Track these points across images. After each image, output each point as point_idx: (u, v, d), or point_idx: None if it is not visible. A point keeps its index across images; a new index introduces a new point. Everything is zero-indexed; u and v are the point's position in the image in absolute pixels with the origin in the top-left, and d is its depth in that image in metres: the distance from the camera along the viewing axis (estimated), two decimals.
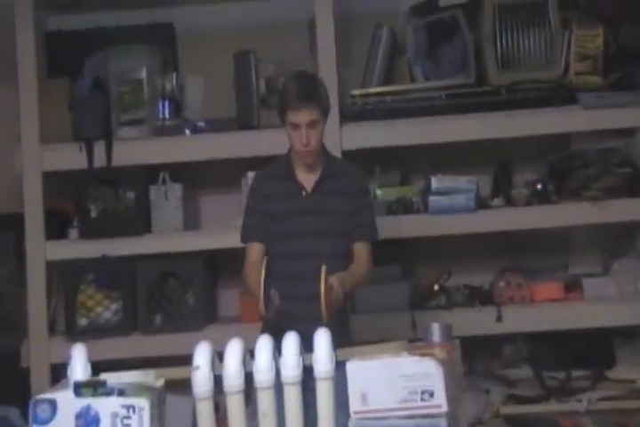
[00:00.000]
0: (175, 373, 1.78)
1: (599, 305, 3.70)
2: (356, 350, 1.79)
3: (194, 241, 3.79)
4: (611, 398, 3.57)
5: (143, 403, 1.61)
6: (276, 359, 1.73)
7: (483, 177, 3.91)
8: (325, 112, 2.68)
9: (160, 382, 1.73)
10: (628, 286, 3.78)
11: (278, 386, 1.72)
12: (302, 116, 2.60)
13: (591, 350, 3.76)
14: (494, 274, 3.87)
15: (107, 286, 3.78)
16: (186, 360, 1.76)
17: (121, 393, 1.62)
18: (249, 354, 1.75)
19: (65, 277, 3.84)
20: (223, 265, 4.01)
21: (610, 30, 3.79)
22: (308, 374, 1.73)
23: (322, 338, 1.76)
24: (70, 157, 3.78)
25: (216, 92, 4.01)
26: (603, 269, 3.98)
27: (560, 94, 3.74)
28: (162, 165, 3.87)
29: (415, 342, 1.88)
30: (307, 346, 1.76)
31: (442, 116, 3.74)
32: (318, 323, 1.99)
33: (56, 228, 3.87)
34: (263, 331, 2.37)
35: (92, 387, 1.63)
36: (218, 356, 1.75)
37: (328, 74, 3.58)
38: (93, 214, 3.84)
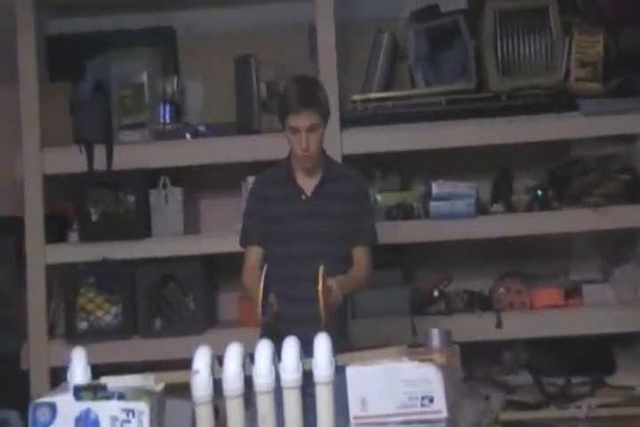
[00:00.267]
0: (175, 377, 1.78)
1: (599, 311, 3.70)
2: (355, 355, 1.78)
3: (194, 245, 3.79)
4: (610, 405, 3.56)
5: (143, 407, 1.61)
6: (276, 364, 1.73)
7: (483, 183, 3.92)
8: (325, 117, 2.68)
9: (160, 386, 1.73)
10: (628, 292, 3.77)
11: (278, 390, 1.72)
12: (302, 121, 2.60)
13: (591, 357, 3.76)
14: (494, 280, 3.87)
15: (107, 290, 3.78)
16: (186, 364, 1.76)
17: (121, 397, 1.62)
18: (249, 358, 1.75)
19: (65, 280, 3.84)
20: (223, 269, 4.00)
21: (610, 35, 3.79)
22: (307, 379, 1.73)
23: (322, 343, 1.75)
24: (71, 161, 3.78)
25: (216, 96, 4.02)
26: (602, 276, 3.98)
27: (560, 100, 3.74)
28: (162, 168, 3.87)
29: (415, 347, 1.88)
30: (306, 350, 1.76)
31: (442, 121, 3.74)
32: (317, 326, 1.99)
33: (56, 231, 3.87)
34: (262, 336, 2.38)
35: (92, 391, 1.63)
36: (217, 360, 1.75)
37: (329, 79, 3.57)
38: (94, 218, 3.84)
